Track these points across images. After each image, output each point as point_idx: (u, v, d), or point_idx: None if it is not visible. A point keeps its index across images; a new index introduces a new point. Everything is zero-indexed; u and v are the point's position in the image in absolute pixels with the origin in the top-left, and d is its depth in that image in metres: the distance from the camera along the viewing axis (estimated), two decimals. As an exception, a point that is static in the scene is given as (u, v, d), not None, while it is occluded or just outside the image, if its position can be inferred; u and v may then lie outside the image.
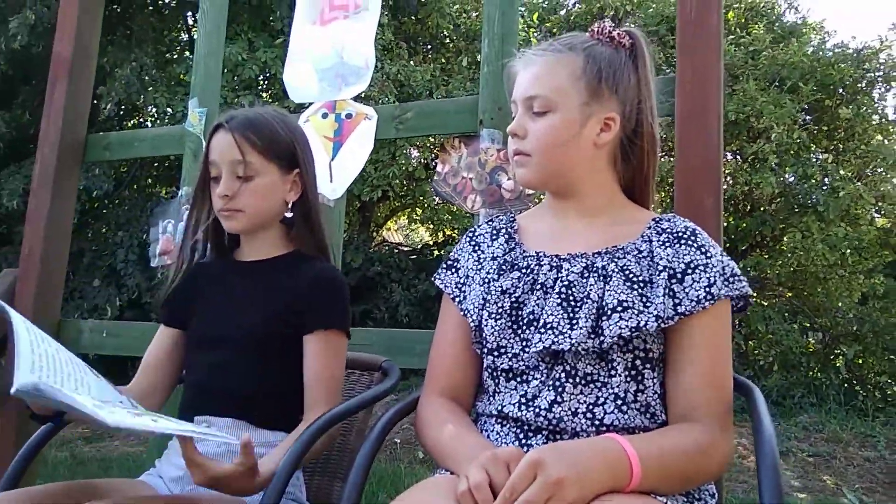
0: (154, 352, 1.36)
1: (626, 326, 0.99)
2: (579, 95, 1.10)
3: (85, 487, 1.15)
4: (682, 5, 1.60)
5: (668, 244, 1.07)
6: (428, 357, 1.20)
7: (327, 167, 1.96)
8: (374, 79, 1.98)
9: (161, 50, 7.62)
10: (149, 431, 0.92)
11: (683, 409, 1.01)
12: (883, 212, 6.82)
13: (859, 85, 6.48)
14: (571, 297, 1.05)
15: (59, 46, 2.34)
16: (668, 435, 0.98)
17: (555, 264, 1.10)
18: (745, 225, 6.50)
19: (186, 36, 8.15)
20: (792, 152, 6.07)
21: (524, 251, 1.15)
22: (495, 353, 1.09)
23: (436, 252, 8.18)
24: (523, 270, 1.11)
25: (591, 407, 1.01)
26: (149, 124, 7.82)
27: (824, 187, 6.13)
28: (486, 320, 1.08)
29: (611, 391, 1.02)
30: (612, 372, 1.02)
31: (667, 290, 1.02)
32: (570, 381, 1.02)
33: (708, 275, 1.03)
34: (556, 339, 1.02)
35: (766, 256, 6.57)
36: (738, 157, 6.56)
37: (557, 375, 1.03)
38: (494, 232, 1.20)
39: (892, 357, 6.10)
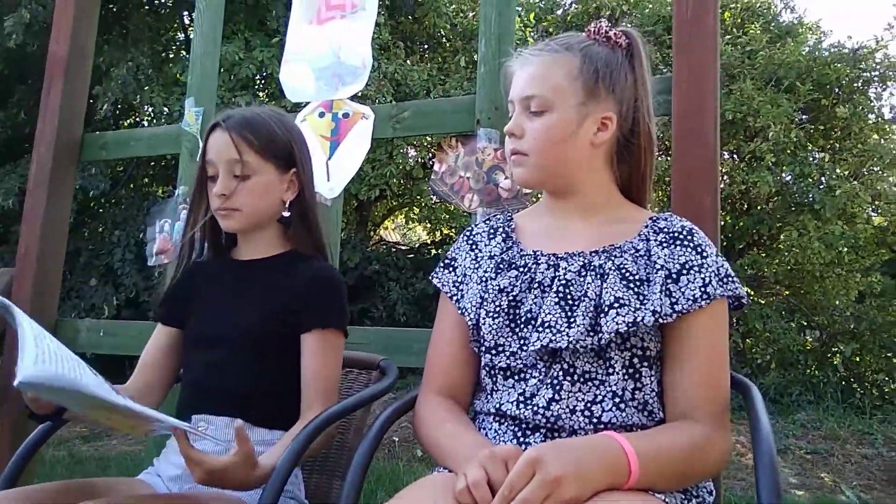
0: (151, 351, 1.36)
1: (623, 322, 0.99)
2: (576, 95, 1.10)
3: (83, 486, 1.15)
4: (679, 5, 1.60)
5: (665, 244, 1.07)
6: (426, 356, 1.20)
7: (324, 166, 1.96)
8: (371, 78, 1.98)
9: (157, 49, 7.61)
10: (153, 417, 0.92)
11: (681, 406, 1.02)
12: (879, 210, 6.84)
13: (856, 84, 6.50)
14: (569, 296, 1.05)
15: (54, 46, 2.34)
16: (665, 433, 0.99)
17: (552, 263, 1.10)
18: (742, 224, 6.52)
19: (183, 35, 8.14)
20: (789, 151, 6.08)
21: (521, 250, 1.15)
22: (493, 352, 1.09)
23: (433, 251, 8.19)
24: (521, 269, 1.11)
25: (588, 405, 1.02)
26: (145, 124, 7.80)
27: (821, 186, 6.15)
28: (483, 319, 1.09)
29: (608, 389, 1.02)
30: (610, 370, 1.03)
31: (663, 289, 1.03)
32: (568, 379, 1.03)
33: (703, 274, 1.04)
34: (553, 338, 1.02)
35: (764, 255, 6.59)
36: (735, 156, 6.58)
37: (555, 374, 1.03)
38: (492, 231, 1.21)
39: (889, 355, 6.12)
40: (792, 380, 5.91)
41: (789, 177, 6.37)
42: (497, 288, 1.09)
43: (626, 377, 1.03)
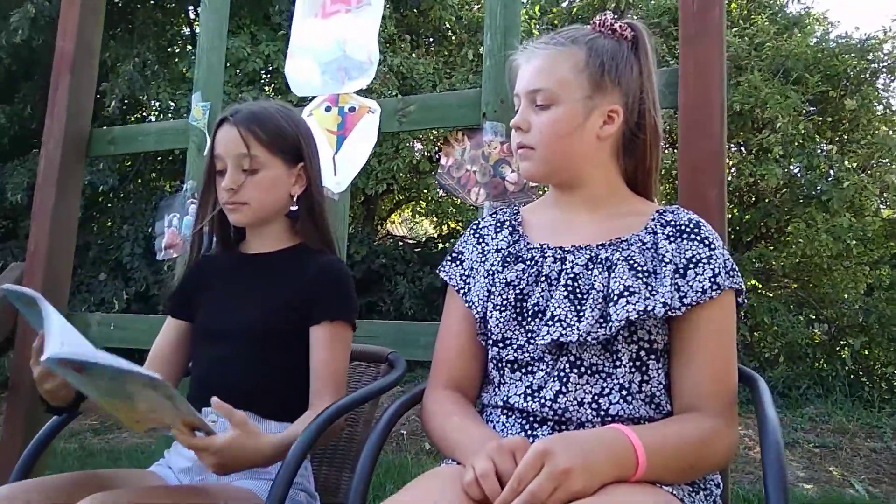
0: (161, 344, 1.37)
1: (634, 310, 1.00)
2: (582, 88, 1.10)
3: (95, 478, 1.16)
4: (685, -3, 1.59)
5: (672, 237, 1.07)
6: (433, 349, 1.21)
7: (331, 161, 1.96)
8: (377, 71, 1.98)
9: (163, 45, 7.62)
10: (174, 396, 0.93)
11: (688, 399, 1.02)
12: (888, 203, 6.80)
13: (864, 76, 6.44)
14: (578, 290, 1.05)
15: (61, 42, 2.35)
16: (673, 425, 0.99)
17: (559, 256, 1.10)
18: (749, 216, 6.49)
19: (188, 30, 8.14)
20: (797, 143, 6.05)
21: (528, 243, 1.15)
22: (500, 345, 1.09)
23: (440, 245, 8.20)
24: (527, 262, 1.11)
25: (596, 397, 1.02)
26: (152, 119, 7.83)
27: (829, 178, 6.11)
28: (490, 312, 1.09)
29: (616, 382, 1.02)
30: (617, 363, 1.03)
31: (672, 283, 1.03)
32: (576, 371, 1.03)
33: (712, 265, 1.04)
34: (564, 332, 1.02)
35: (771, 248, 6.56)
36: (743, 148, 6.55)
37: (562, 366, 1.04)
38: (498, 224, 1.21)
39: (897, 348, 6.09)
40: (800, 373, 5.90)
41: (797, 169, 6.33)
42: (504, 281, 1.10)
43: (634, 370, 1.03)
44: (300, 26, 2.10)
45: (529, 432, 1.04)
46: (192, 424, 1.01)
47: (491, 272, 1.13)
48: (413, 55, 6.95)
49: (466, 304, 1.15)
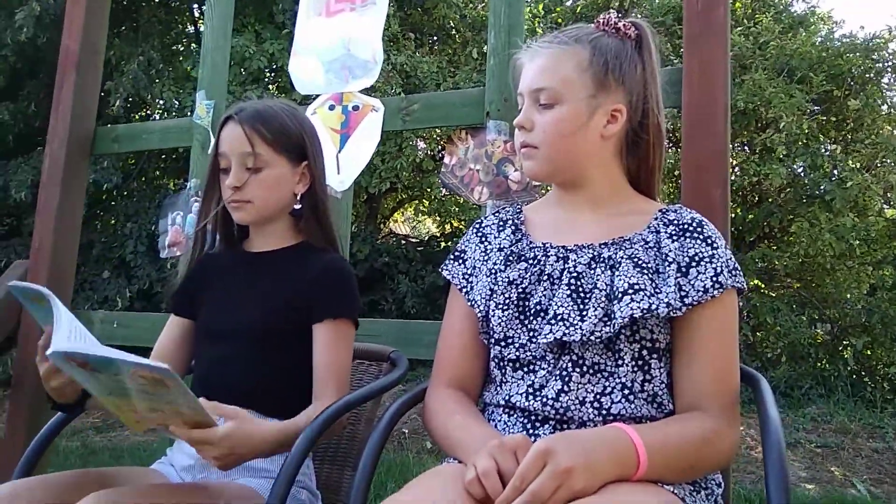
0: (164, 342, 1.38)
1: (638, 308, 1.00)
2: (586, 87, 1.10)
3: (98, 475, 1.17)
4: (689, -3, 1.59)
5: (675, 236, 1.07)
6: (435, 348, 1.21)
7: (334, 159, 1.97)
8: (381, 69, 1.98)
9: (168, 43, 7.62)
10: (179, 386, 0.93)
11: (690, 398, 1.02)
12: (892, 203, 6.78)
13: (868, 75, 6.42)
14: (581, 289, 1.05)
15: (67, 41, 2.35)
16: (674, 425, 0.99)
17: (561, 255, 1.10)
18: (752, 216, 6.47)
19: (193, 29, 8.15)
20: (801, 143, 6.03)
21: (531, 242, 1.15)
22: (502, 344, 1.09)
23: (443, 243, 8.19)
24: (530, 261, 1.12)
25: (598, 396, 1.02)
26: (156, 118, 7.83)
27: (833, 178, 6.09)
28: (493, 311, 1.09)
29: (618, 381, 1.02)
30: (619, 362, 1.03)
31: (675, 283, 1.03)
32: (577, 370, 1.03)
33: (715, 264, 1.04)
34: (567, 331, 1.02)
35: (774, 248, 6.54)
36: (747, 147, 6.53)
37: (564, 365, 1.04)
38: (501, 223, 1.21)
39: (900, 348, 6.08)
40: (802, 373, 5.88)
41: (801, 168, 6.31)
42: (506, 280, 1.10)
43: (636, 369, 1.03)
44: (304, 25, 2.11)
45: (531, 431, 1.04)
46: (197, 422, 1.01)
47: (493, 271, 1.13)
48: (417, 53, 6.95)
49: (469, 303, 1.15)
